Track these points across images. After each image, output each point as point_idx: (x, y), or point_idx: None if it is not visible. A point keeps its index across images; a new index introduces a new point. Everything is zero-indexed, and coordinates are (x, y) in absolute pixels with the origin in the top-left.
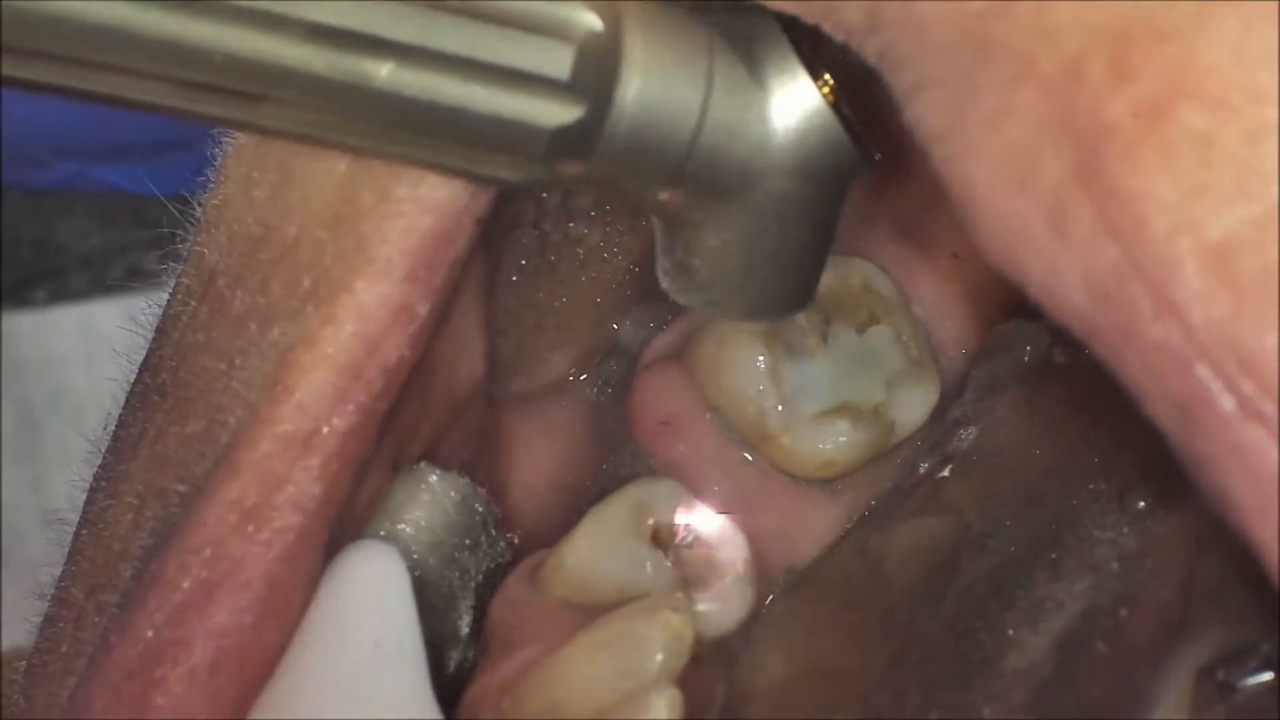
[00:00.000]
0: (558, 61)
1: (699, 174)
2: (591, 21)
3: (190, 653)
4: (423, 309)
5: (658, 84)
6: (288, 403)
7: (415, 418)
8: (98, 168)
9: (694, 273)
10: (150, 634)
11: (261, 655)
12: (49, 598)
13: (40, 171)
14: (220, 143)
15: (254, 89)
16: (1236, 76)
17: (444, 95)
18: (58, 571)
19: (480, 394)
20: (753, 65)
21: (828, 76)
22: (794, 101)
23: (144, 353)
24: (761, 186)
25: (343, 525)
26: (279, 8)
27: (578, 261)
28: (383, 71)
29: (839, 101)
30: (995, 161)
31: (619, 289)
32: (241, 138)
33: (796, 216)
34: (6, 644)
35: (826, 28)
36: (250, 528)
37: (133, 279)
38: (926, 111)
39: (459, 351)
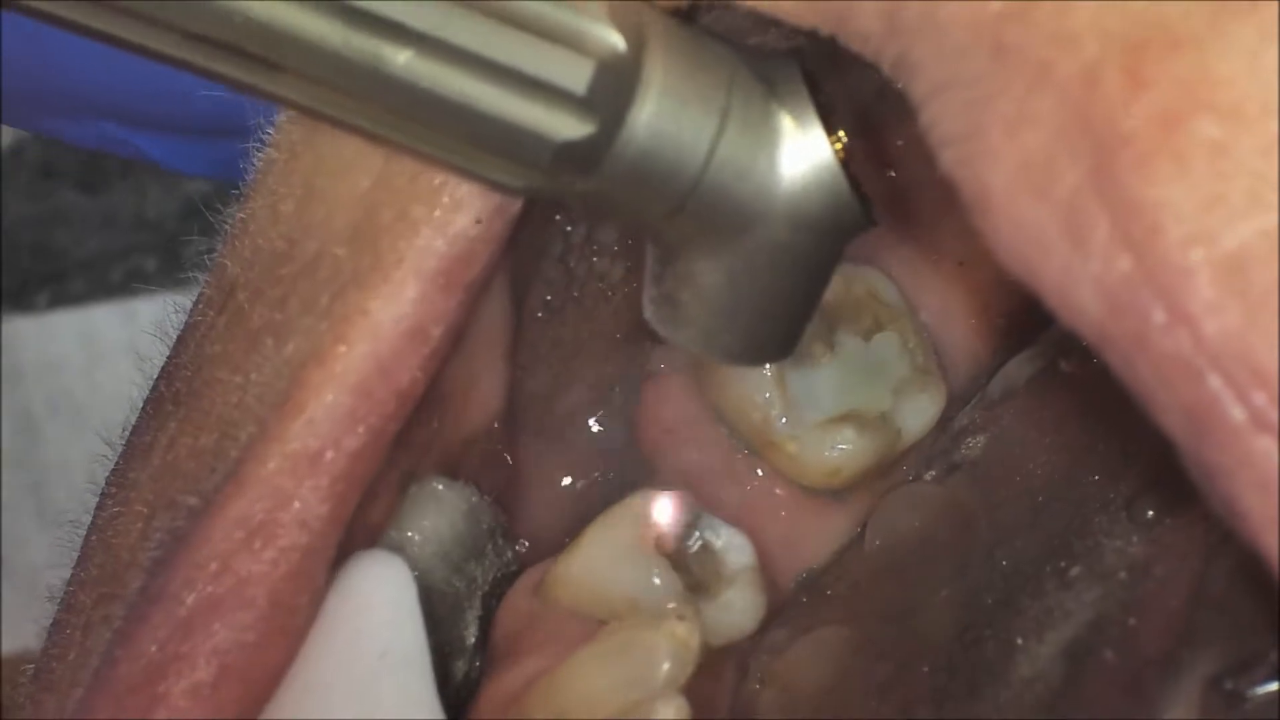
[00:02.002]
0: (576, 75)
1: (700, 209)
2: (615, 41)
3: (193, 668)
4: (436, 331)
5: (672, 113)
6: (298, 420)
7: (428, 442)
8: (137, 136)
9: (680, 307)
10: (154, 649)
11: (265, 671)
12: (57, 600)
13: (76, 126)
14: (255, 155)
15: (271, 56)
16: (1252, 87)
17: (457, 92)
18: (63, 573)
19: (498, 423)
20: (769, 108)
21: (841, 134)
22: (805, 151)
23: (148, 351)
24: (760, 230)
25: (350, 538)
26: None
27: (602, 296)
28: (400, 58)
29: (849, 159)
30: (1012, 168)
31: (640, 321)
32: (273, 153)
33: (789, 265)
34: (6, 649)
35: (842, 37)
36: (257, 544)
37: (132, 283)
38: (941, 116)
39: (477, 381)
